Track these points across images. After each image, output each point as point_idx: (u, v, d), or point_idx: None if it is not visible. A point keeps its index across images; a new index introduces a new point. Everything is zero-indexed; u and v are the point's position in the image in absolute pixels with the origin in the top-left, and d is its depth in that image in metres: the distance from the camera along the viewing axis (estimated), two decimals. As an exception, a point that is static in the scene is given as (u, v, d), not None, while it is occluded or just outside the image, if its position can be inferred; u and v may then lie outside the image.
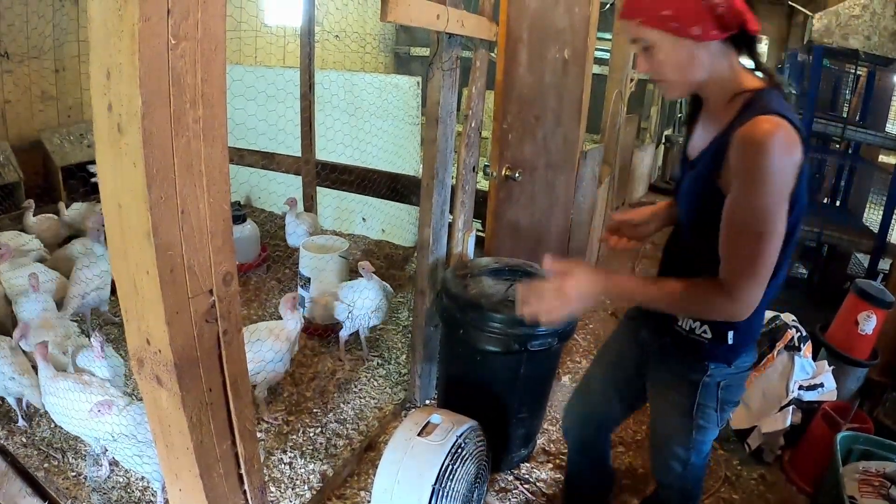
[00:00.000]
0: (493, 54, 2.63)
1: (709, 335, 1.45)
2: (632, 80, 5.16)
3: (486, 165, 2.71)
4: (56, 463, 2.33)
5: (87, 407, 2.07)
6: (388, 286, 3.22)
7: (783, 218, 1.17)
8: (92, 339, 2.38)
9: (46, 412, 2.29)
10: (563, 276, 1.29)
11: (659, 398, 1.68)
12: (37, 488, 2.18)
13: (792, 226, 1.24)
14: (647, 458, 2.13)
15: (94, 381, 2.20)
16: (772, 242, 1.18)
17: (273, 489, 2.28)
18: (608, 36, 5.76)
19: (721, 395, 1.52)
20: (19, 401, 2.51)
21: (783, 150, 1.13)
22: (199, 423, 1.09)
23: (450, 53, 2.32)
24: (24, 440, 2.43)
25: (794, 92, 4.77)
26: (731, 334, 1.44)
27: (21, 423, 2.52)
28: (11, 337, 2.44)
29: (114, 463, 2.30)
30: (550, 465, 2.54)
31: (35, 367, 2.30)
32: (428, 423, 2.03)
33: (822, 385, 2.67)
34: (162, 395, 1.06)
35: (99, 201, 3.76)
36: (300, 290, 3.47)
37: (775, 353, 2.71)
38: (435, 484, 1.86)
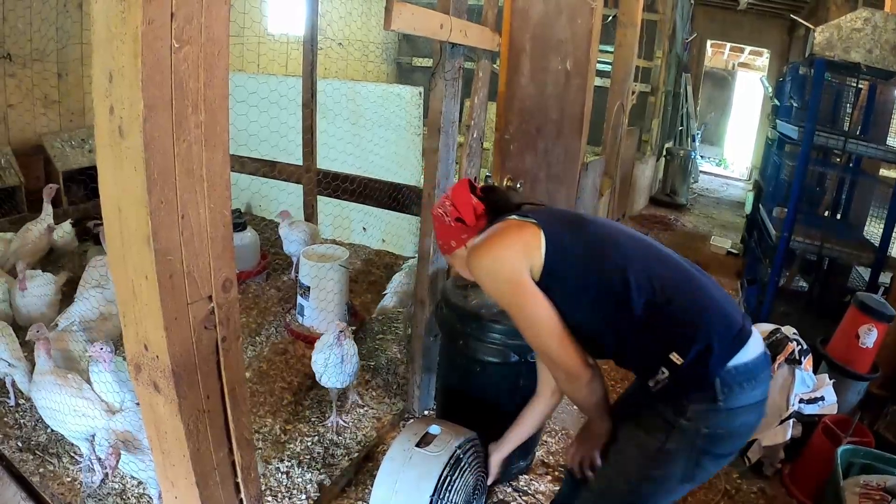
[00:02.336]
0: (495, 65, 2.63)
1: (665, 373, 1.35)
2: (633, 93, 5.18)
3: (487, 176, 2.71)
4: (52, 468, 2.31)
5: (64, 403, 2.11)
6: (352, 349, 2.66)
7: (536, 304, 1.41)
8: (95, 345, 2.18)
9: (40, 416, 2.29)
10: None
11: (625, 434, 1.54)
12: (32, 493, 2.16)
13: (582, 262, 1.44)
14: None
15: (70, 378, 2.20)
16: (540, 331, 1.43)
17: (269, 498, 2.26)
18: (610, 48, 5.77)
19: (702, 444, 1.34)
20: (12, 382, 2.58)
21: (487, 266, 1.46)
22: (195, 431, 1.08)
23: (452, 63, 2.33)
24: (19, 444, 2.41)
25: (794, 105, 4.78)
26: (673, 356, 1.33)
27: (11, 402, 2.61)
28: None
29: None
30: (549, 478, 2.52)
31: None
32: (426, 433, 2.01)
33: (822, 398, 2.66)
34: (159, 402, 1.06)
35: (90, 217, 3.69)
36: (299, 299, 3.46)
37: (776, 366, 2.69)
38: (433, 495, 1.84)
